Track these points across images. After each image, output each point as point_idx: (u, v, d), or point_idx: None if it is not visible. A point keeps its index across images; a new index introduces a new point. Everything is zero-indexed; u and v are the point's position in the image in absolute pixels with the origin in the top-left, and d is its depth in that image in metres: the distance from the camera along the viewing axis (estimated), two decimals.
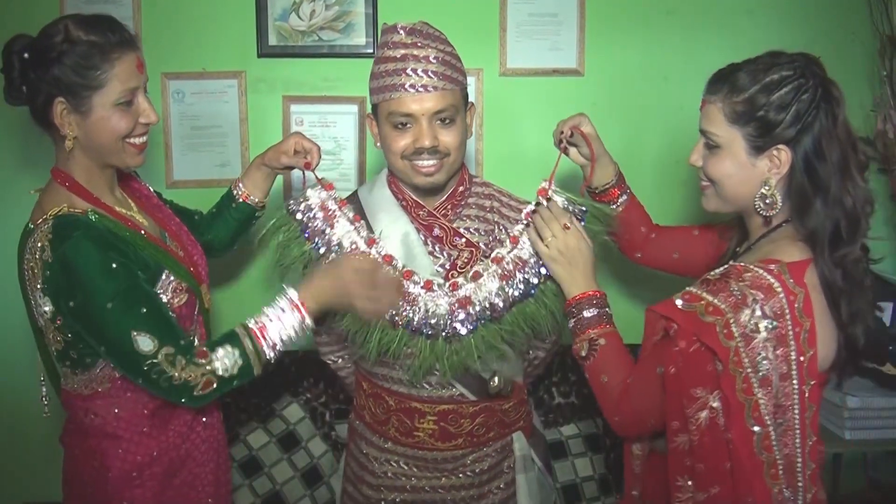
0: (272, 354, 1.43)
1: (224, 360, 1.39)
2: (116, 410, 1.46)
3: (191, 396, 1.39)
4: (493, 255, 1.54)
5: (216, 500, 1.60)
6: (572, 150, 1.64)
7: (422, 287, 1.52)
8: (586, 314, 1.42)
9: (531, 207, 1.55)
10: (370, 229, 1.59)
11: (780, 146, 1.27)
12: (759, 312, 1.20)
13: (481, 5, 2.27)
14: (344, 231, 1.55)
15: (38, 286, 1.38)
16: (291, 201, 1.58)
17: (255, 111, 2.28)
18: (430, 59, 1.46)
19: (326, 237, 1.55)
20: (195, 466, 1.56)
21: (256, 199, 1.76)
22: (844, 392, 2.00)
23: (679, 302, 1.26)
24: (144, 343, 1.35)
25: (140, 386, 1.41)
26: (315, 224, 1.55)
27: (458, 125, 1.51)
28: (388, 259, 1.53)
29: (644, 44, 2.30)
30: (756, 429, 1.21)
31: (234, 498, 2.01)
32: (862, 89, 2.32)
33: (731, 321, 1.20)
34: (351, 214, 1.57)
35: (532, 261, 1.53)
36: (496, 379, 1.57)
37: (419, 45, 1.46)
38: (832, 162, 1.26)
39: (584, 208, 1.54)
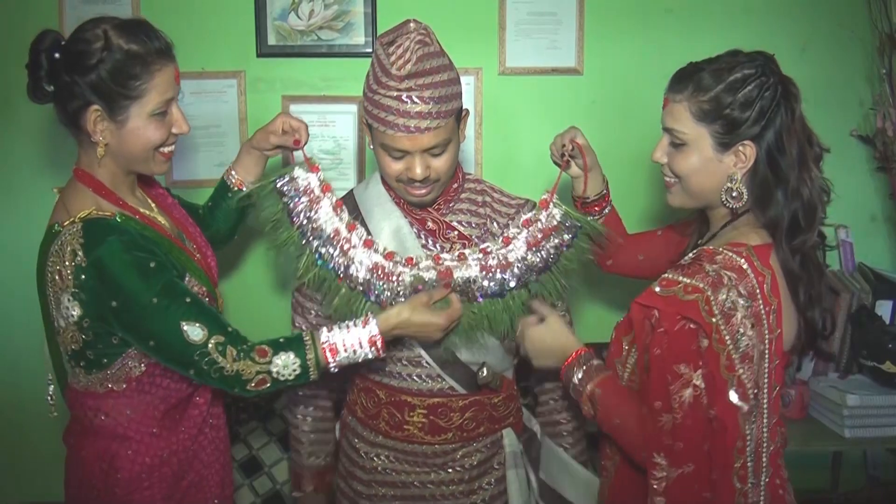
0: (335, 370, 1.46)
1: (283, 366, 1.41)
2: (129, 412, 1.46)
3: (244, 389, 1.41)
4: (482, 246, 1.55)
5: (222, 501, 1.61)
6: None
7: (403, 265, 1.53)
8: (576, 379, 1.44)
9: (531, 215, 1.56)
10: (363, 224, 1.59)
11: (746, 142, 1.32)
12: (734, 292, 1.25)
13: (480, 4, 2.27)
14: (327, 217, 1.54)
15: (69, 290, 1.37)
16: (279, 177, 1.56)
17: (255, 111, 2.28)
18: (426, 98, 1.42)
19: (311, 223, 1.54)
20: (202, 467, 1.57)
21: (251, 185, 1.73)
22: (844, 390, 2.00)
23: (657, 288, 1.31)
24: (194, 332, 1.36)
25: (192, 378, 1.42)
26: (300, 209, 1.54)
27: (450, 150, 1.51)
28: (369, 244, 1.54)
29: (643, 42, 2.30)
30: (741, 404, 1.25)
31: (234, 497, 2.01)
32: (861, 87, 2.32)
33: (711, 299, 1.24)
34: (334, 199, 1.56)
35: (515, 266, 1.54)
36: (484, 370, 1.58)
37: (414, 87, 1.42)
38: (792, 155, 1.32)
39: (578, 224, 1.55)
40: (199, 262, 1.55)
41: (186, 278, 1.47)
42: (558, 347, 1.49)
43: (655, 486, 1.28)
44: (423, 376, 1.60)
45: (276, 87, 2.29)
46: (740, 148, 1.33)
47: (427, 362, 1.59)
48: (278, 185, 1.55)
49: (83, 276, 1.35)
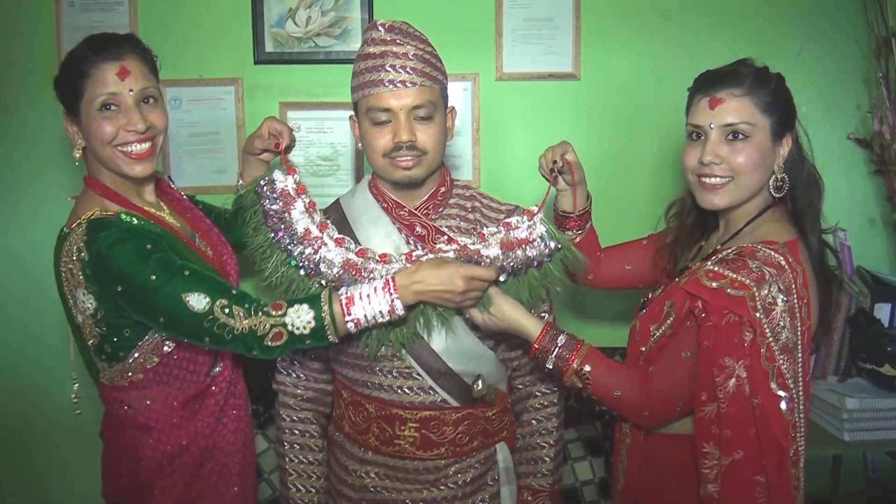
0: (353, 328, 1.45)
1: (296, 316, 1.42)
2: (148, 402, 1.52)
3: (262, 347, 1.42)
4: (460, 241, 1.54)
5: (242, 490, 1.65)
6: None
7: (376, 262, 1.53)
8: (556, 353, 1.47)
9: (514, 219, 1.55)
10: (350, 232, 1.59)
11: (787, 133, 1.44)
12: (774, 288, 1.32)
13: (477, 10, 2.27)
14: (299, 216, 1.55)
15: (81, 285, 1.43)
16: (261, 182, 1.59)
17: (252, 117, 2.28)
18: (409, 55, 1.49)
19: (283, 224, 1.55)
20: (223, 456, 1.61)
21: None
22: (843, 394, 2.00)
23: (704, 280, 1.36)
24: (197, 301, 1.39)
25: (209, 347, 1.45)
26: (274, 210, 1.56)
27: (436, 123, 1.52)
28: (340, 242, 1.54)
29: (639, 46, 2.30)
30: (781, 393, 1.32)
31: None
32: (858, 91, 2.32)
33: (756, 295, 1.32)
34: (307, 200, 1.57)
35: (486, 260, 1.52)
36: (479, 383, 1.56)
37: (398, 42, 1.49)
38: (802, 144, 1.47)
39: (559, 245, 1.55)
40: (211, 259, 1.59)
41: None
42: (515, 330, 1.52)
43: (707, 473, 1.35)
44: (414, 388, 1.57)
45: (273, 94, 2.29)
46: (783, 140, 1.44)
47: (419, 374, 1.56)
48: (258, 189, 1.58)
49: (88, 271, 1.42)
